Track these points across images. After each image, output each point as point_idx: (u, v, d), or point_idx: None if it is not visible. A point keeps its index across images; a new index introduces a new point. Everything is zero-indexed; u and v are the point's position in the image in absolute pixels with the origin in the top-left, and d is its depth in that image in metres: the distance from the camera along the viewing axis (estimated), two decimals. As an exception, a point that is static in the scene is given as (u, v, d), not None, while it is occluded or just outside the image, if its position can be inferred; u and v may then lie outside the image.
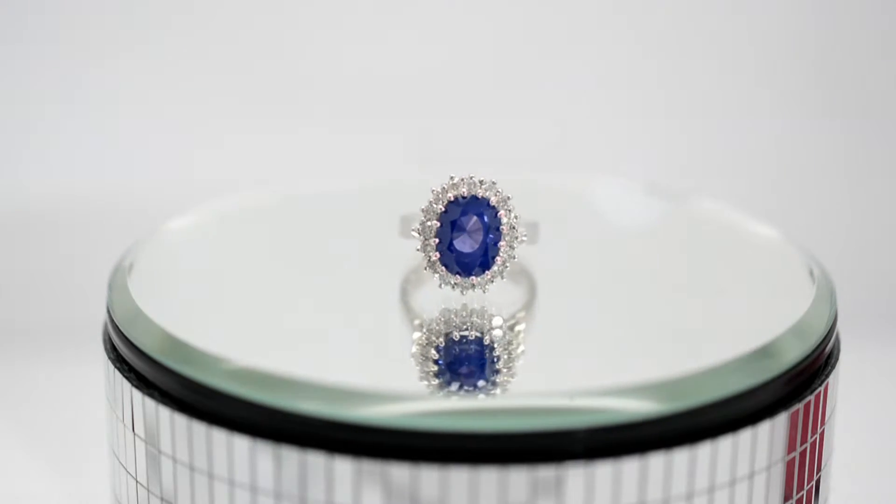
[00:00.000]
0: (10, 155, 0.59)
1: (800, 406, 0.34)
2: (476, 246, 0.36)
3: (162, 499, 0.34)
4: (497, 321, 0.37)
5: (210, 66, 0.59)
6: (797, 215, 0.58)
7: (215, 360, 0.33)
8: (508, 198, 0.36)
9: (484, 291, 0.37)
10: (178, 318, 0.35)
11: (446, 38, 0.60)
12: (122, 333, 0.35)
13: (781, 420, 0.33)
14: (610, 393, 0.32)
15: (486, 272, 0.36)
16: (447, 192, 0.36)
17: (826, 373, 0.35)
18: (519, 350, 0.35)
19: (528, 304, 0.38)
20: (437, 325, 0.36)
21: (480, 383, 0.34)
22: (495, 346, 0.35)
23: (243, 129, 0.60)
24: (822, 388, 0.34)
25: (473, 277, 0.36)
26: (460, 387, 0.33)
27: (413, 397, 0.32)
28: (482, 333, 0.36)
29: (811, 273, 0.38)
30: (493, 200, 0.36)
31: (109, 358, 0.36)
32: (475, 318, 0.37)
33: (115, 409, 0.35)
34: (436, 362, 0.35)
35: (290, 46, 0.59)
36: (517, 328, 0.36)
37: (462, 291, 0.37)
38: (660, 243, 0.43)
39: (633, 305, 0.38)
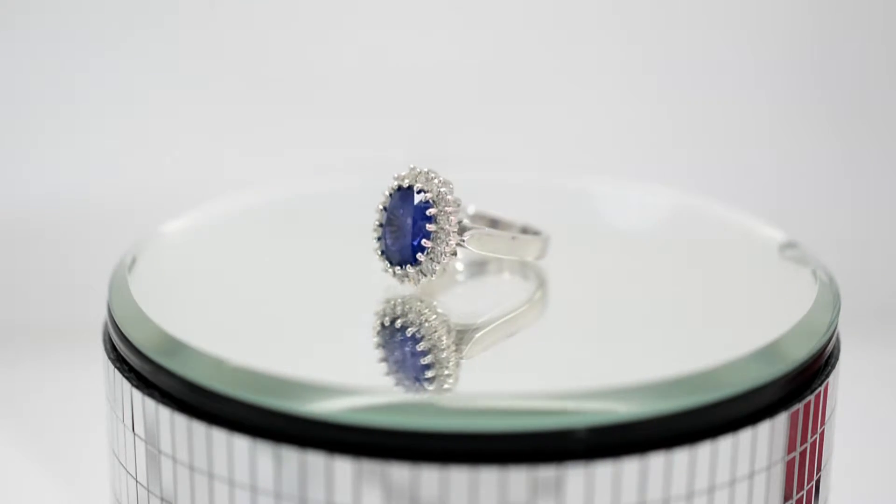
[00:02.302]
0: (10, 155, 0.59)
1: (800, 406, 0.34)
2: (398, 239, 0.36)
3: (162, 499, 0.34)
4: (439, 317, 0.37)
5: (210, 66, 0.59)
6: (798, 215, 0.58)
7: (215, 361, 0.33)
8: (450, 199, 0.36)
9: (415, 284, 0.36)
10: (179, 319, 0.35)
11: (449, 39, 0.60)
12: (122, 333, 0.35)
13: (781, 420, 0.33)
14: (610, 393, 0.32)
15: (410, 266, 0.36)
16: (395, 180, 0.37)
17: (826, 373, 0.35)
18: (460, 352, 0.35)
19: (503, 312, 0.38)
20: (380, 311, 0.37)
21: (396, 374, 0.34)
22: (421, 340, 0.35)
23: (243, 130, 0.60)
24: (822, 388, 0.34)
25: (398, 268, 0.37)
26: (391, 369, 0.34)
27: (414, 397, 0.32)
28: (409, 325, 0.36)
29: (814, 273, 0.38)
30: (428, 196, 0.36)
31: (109, 358, 0.36)
32: (405, 306, 0.37)
33: (115, 409, 0.35)
34: (380, 346, 0.35)
35: (290, 47, 0.59)
36: (475, 334, 0.36)
37: (401, 281, 0.37)
38: (661, 243, 0.43)
39: (634, 305, 0.38)
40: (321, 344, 0.36)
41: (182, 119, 0.59)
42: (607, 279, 0.40)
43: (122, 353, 0.35)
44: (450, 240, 0.36)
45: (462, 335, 0.36)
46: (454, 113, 0.60)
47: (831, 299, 0.37)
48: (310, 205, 0.45)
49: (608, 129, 0.61)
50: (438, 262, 0.36)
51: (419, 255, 0.36)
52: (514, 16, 0.60)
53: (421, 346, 0.35)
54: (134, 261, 0.39)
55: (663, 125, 0.61)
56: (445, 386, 0.33)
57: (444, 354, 0.35)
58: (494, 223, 0.41)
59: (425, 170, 0.36)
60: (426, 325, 0.36)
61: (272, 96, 0.59)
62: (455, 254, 0.36)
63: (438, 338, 0.35)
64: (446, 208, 0.36)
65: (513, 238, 0.38)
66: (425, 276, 0.36)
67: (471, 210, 0.41)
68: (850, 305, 0.41)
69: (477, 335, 0.36)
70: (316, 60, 0.59)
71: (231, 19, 0.59)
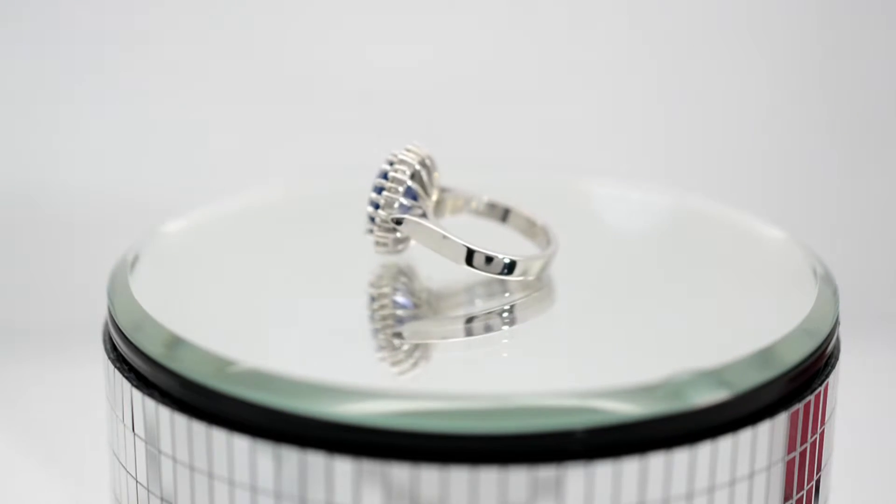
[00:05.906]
0: (10, 155, 0.59)
1: (800, 406, 0.34)
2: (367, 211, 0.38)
3: (162, 499, 0.34)
4: (401, 300, 0.38)
5: (210, 67, 0.59)
6: (798, 214, 0.58)
7: (216, 360, 0.33)
8: (397, 177, 0.37)
9: (377, 252, 0.38)
10: (179, 318, 0.35)
11: (449, 39, 0.60)
12: (122, 333, 0.35)
13: (781, 420, 0.33)
14: (610, 393, 0.32)
15: (368, 234, 0.38)
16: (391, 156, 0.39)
17: (826, 373, 0.35)
18: (397, 335, 0.36)
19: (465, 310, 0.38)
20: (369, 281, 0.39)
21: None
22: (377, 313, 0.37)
23: (243, 129, 0.60)
24: (822, 388, 0.34)
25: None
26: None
27: (414, 397, 0.32)
28: (374, 296, 0.38)
29: (815, 273, 0.38)
30: (387, 170, 0.38)
31: (109, 358, 0.36)
32: (383, 282, 0.39)
33: (115, 409, 0.35)
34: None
35: (290, 47, 0.59)
36: (414, 322, 0.37)
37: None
38: (661, 243, 0.43)
39: (634, 305, 0.38)
40: (322, 344, 0.36)
41: (183, 119, 0.59)
42: (607, 279, 0.40)
43: (123, 353, 0.35)
44: (381, 213, 0.38)
45: (404, 321, 0.37)
46: (455, 113, 0.60)
47: (832, 299, 0.37)
48: (310, 205, 0.45)
49: (609, 128, 0.61)
50: (378, 238, 0.38)
51: (367, 224, 0.38)
52: (516, 15, 0.60)
53: (367, 313, 0.37)
54: (134, 260, 0.39)
55: (664, 125, 0.61)
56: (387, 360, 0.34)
57: (382, 332, 0.36)
58: (507, 214, 0.41)
59: (413, 150, 0.38)
60: (383, 301, 0.38)
61: (274, 96, 0.59)
62: (388, 231, 0.38)
63: (380, 313, 0.37)
64: (391, 184, 0.37)
65: (444, 237, 0.37)
66: (378, 246, 0.38)
67: (484, 199, 0.41)
68: (850, 305, 0.41)
69: (415, 322, 0.37)
70: (318, 60, 0.59)
71: (233, 20, 0.59)
